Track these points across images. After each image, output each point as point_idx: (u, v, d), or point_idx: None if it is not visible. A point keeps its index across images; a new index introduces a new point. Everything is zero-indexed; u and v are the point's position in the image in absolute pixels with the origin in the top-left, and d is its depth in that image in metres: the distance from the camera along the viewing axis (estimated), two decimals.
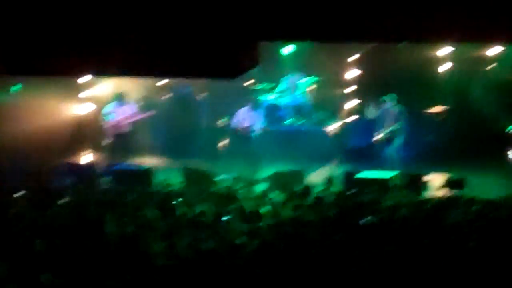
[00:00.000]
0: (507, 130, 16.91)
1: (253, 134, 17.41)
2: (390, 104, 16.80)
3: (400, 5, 8.59)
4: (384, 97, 16.97)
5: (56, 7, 7.51)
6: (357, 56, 19.20)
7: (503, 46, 16.98)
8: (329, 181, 14.46)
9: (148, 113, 17.81)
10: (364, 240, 10.20)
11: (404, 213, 11.75)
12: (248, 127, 17.40)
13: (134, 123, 17.70)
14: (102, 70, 7.63)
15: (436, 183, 15.50)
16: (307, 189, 13.76)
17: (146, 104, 19.17)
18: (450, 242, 9.88)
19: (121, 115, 17.50)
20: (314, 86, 19.93)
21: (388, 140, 16.78)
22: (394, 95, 16.80)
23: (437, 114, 18.15)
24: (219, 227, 10.92)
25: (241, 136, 17.52)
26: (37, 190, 13.65)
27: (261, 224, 11.12)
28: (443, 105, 18.28)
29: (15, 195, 13.44)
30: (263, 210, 11.82)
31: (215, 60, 7.57)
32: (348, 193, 13.34)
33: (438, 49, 17.83)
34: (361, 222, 11.34)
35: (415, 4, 8.35)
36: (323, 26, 8.13)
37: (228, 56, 7.59)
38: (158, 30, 7.37)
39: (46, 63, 7.63)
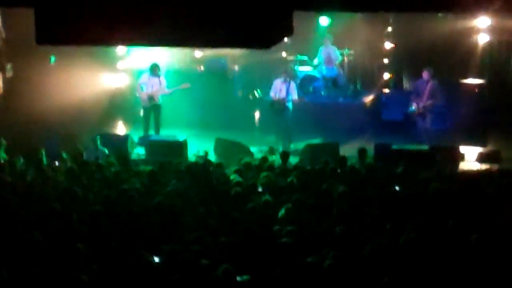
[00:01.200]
0: None
1: (288, 105, 17.34)
2: (426, 77, 16.62)
3: None
4: (421, 70, 16.80)
5: None
6: (392, 28, 19.04)
7: None
8: (363, 152, 14.29)
9: (183, 86, 17.80)
10: (397, 212, 10.18)
11: (438, 186, 11.61)
12: (283, 98, 17.32)
13: (169, 94, 17.72)
14: (133, 39, 7.59)
15: (472, 155, 15.39)
16: (342, 160, 13.64)
17: (182, 76, 19.24)
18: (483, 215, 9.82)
19: (156, 86, 17.51)
20: (350, 57, 19.86)
21: (423, 113, 16.62)
22: (430, 68, 16.62)
23: (473, 86, 17.93)
24: (252, 199, 10.89)
25: (276, 108, 17.46)
26: (72, 160, 13.75)
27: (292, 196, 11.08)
28: (479, 77, 18.06)
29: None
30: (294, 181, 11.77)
31: (247, 29, 7.45)
32: (381, 164, 13.19)
33: (474, 20, 17.54)
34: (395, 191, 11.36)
35: None
36: None
37: (261, 25, 7.47)
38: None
39: (78, 32, 7.61)
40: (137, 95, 17.71)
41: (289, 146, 16.95)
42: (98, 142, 15.50)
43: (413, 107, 16.67)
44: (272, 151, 16.13)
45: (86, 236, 8.94)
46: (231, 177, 12.30)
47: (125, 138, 16.80)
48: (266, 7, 7.23)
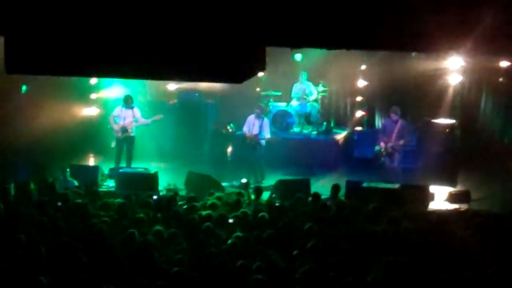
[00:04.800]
0: None
1: (261, 141, 17.32)
2: (394, 116, 16.60)
3: (409, 13, 8.50)
4: (390, 109, 16.83)
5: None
6: (365, 66, 19.18)
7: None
8: (337, 189, 14.29)
9: (156, 117, 17.76)
10: (367, 250, 10.14)
11: (408, 224, 11.60)
12: (256, 134, 17.32)
13: (141, 126, 17.66)
14: (104, 70, 7.56)
15: (441, 195, 15.43)
16: (315, 196, 13.61)
17: (154, 108, 19.18)
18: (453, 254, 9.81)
19: (129, 118, 17.45)
20: (324, 94, 19.95)
21: (391, 153, 16.56)
22: (397, 108, 16.60)
23: (444, 126, 18.05)
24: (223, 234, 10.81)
25: (249, 143, 17.45)
26: (42, 190, 13.57)
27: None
28: (450, 117, 18.19)
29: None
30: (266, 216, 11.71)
31: (220, 63, 7.47)
32: (351, 202, 13.18)
33: (447, 60, 17.69)
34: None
35: (424, 13, 8.27)
36: (329, 32, 8.05)
37: (234, 59, 7.49)
38: (162, 32, 7.31)
39: (49, 62, 7.56)
40: (110, 127, 17.61)
41: (261, 181, 16.91)
42: (68, 173, 15.35)
43: (379, 147, 16.61)
44: (244, 186, 16.05)
45: (52, 268, 8.79)
46: (203, 212, 12.19)
47: (95, 169, 16.66)
48: (239, 42, 7.24)
